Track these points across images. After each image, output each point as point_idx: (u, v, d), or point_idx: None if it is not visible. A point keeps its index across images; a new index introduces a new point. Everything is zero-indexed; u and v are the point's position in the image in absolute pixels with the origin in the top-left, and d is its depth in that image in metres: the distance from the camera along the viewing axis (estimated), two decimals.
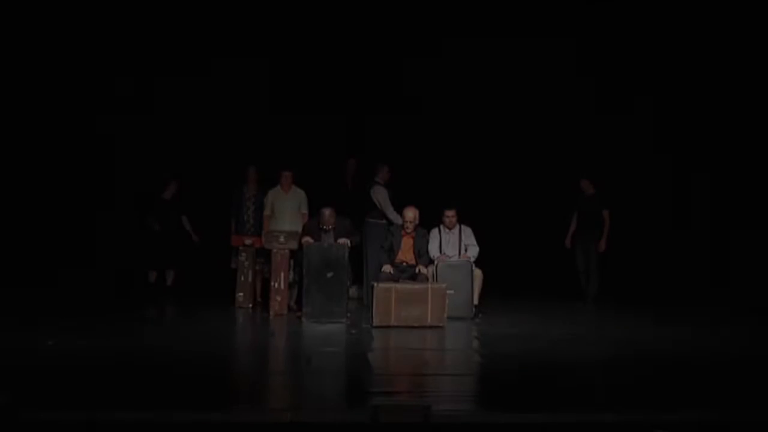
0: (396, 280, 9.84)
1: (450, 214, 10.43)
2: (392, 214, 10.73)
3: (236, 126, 12.79)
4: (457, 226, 10.48)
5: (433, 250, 10.34)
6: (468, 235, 10.49)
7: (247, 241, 10.66)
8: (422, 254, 10.20)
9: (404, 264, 10.20)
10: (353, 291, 11.19)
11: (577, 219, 11.55)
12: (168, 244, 11.55)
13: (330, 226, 10.15)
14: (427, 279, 9.95)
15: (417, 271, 10.01)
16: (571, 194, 11.65)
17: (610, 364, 7.63)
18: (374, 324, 9.37)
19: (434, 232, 10.48)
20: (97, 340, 8.13)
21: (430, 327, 9.34)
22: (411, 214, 10.17)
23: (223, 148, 12.67)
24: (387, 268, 10.00)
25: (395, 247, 10.20)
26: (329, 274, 9.70)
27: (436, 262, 10.18)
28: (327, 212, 10.21)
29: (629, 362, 7.65)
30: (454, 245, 10.44)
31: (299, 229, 10.49)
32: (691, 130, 12.20)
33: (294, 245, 10.15)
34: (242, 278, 10.56)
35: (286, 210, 10.72)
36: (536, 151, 12.95)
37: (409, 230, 10.16)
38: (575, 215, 11.59)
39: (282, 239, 10.18)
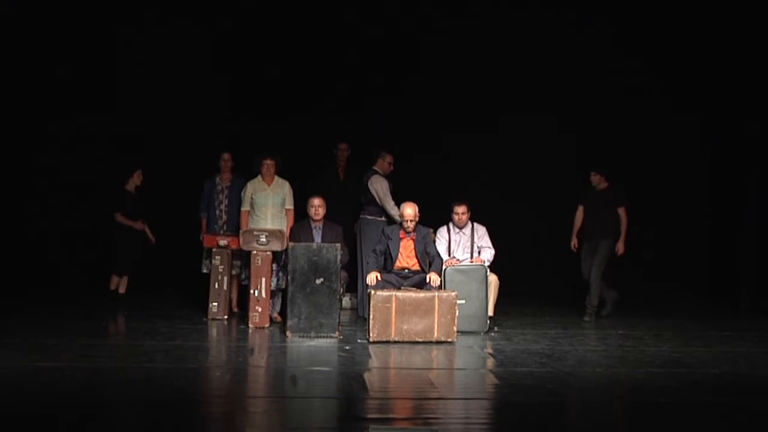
0: (397, 287, 9.75)
1: (460, 211, 10.34)
2: (393, 209, 10.61)
3: (206, 104, 12.74)
4: (469, 225, 10.40)
5: (441, 252, 10.24)
6: (482, 236, 10.40)
7: (222, 242, 10.56)
8: (432, 257, 10.07)
9: (406, 270, 10.10)
10: (346, 300, 11.13)
11: (586, 217, 11.19)
12: (136, 245, 11.37)
13: (318, 217, 10.22)
14: (440, 288, 9.86)
15: (427, 280, 9.90)
16: (577, 188, 11.57)
17: (650, 389, 7.54)
18: (371, 339, 9.30)
19: (442, 231, 10.39)
20: (44, 363, 8.10)
21: (437, 342, 9.29)
22: (411, 210, 10.05)
23: (192, 130, 12.63)
24: (373, 276, 9.88)
25: (392, 251, 10.07)
26: (318, 281, 9.62)
27: (444, 267, 10.09)
28: (317, 201, 10.28)
29: (673, 387, 7.59)
30: (466, 247, 10.35)
31: (283, 227, 10.41)
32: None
33: (277, 246, 10.06)
34: (216, 285, 10.47)
35: (268, 205, 10.62)
36: (558, 139, 12.98)
37: (409, 230, 10.05)
38: (581, 210, 11.22)
39: (263, 239, 10.09)
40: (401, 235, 10.10)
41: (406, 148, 12.30)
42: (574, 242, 11.27)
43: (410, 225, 10.04)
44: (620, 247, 11.06)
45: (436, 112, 12.86)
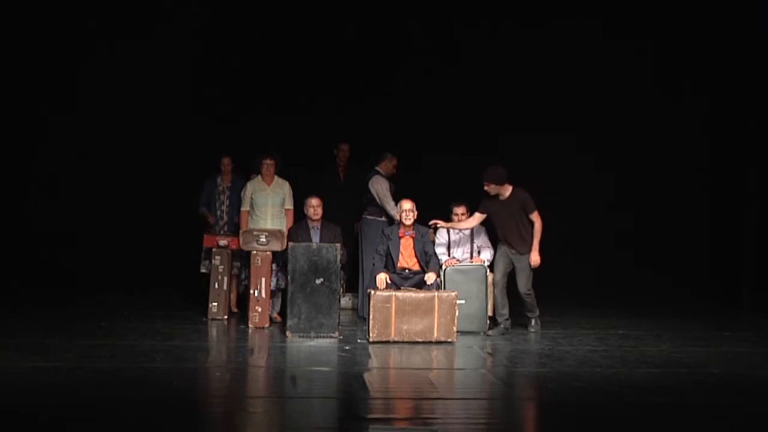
0: (397, 288, 9.75)
1: (459, 212, 10.33)
2: (392, 210, 10.60)
3: (206, 103, 12.76)
4: None
5: (440, 252, 10.25)
6: (481, 236, 10.40)
7: (222, 242, 10.55)
8: (429, 257, 10.06)
9: (407, 271, 10.09)
10: (346, 300, 11.13)
11: (497, 228, 10.04)
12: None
13: (317, 217, 10.22)
14: (439, 287, 9.85)
15: (426, 280, 9.88)
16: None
17: (650, 389, 7.55)
18: (371, 339, 9.30)
19: (442, 231, 10.39)
20: (44, 363, 8.13)
21: (437, 342, 9.29)
22: (408, 204, 10.04)
23: (192, 130, 12.65)
24: (382, 278, 9.88)
25: (393, 252, 10.06)
26: (318, 281, 9.62)
27: (444, 267, 10.09)
28: (314, 201, 10.27)
29: (673, 387, 7.60)
30: (465, 247, 10.36)
31: (283, 227, 10.41)
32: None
33: (277, 246, 10.06)
34: (216, 285, 10.46)
35: (268, 205, 10.61)
36: (558, 138, 12.99)
37: (408, 222, 10.00)
38: (476, 218, 10.09)
39: (263, 239, 10.09)
40: (400, 234, 10.08)
41: (408, 148, 12.29)
42: (438, 222, 10.07)
43: (410, 216, 9.98)
44: (534, 259, 9.87)
45: (438, 111, 12.86)
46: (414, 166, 12.40)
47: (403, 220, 10.03)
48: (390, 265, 10.03)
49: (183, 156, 12.52)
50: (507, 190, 9.92)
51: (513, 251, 9.95)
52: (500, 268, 9.99)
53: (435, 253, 10.14)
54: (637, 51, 12.87)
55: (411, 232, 10.06)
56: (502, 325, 9.97)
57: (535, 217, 9.89)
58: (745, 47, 12.07)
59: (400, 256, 10.05)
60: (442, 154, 12.79)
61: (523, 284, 9.95)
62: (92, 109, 12.88)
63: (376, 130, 12.33)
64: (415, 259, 10.07)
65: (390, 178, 10.88)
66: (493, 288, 10.02)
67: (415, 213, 10.06)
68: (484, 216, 10.05)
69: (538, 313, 10.14)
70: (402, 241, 10.07)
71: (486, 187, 9.88)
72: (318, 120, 12.73)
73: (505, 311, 9.99)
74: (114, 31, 12.69)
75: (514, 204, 9.89)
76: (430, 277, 9.82)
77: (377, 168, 10.85)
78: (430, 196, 11.06)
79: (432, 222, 10.11)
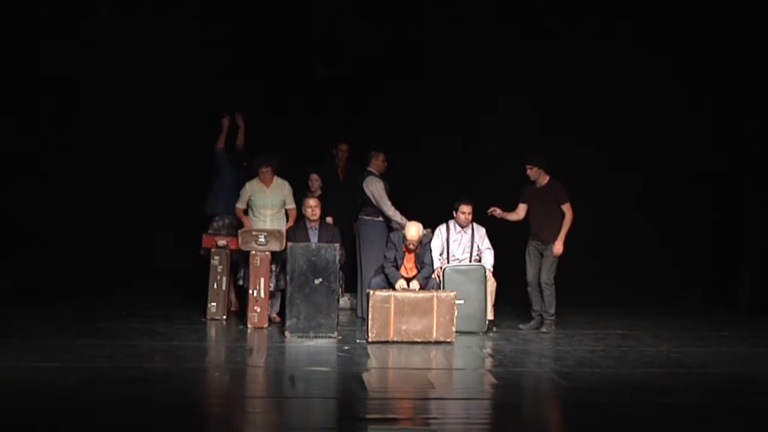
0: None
1: (467, 210, 10.25)
2: (389, 210, 10.58)
3: (206, 102, 12.77)
4: (470, 225, 10.38)
5: (436, 251, 10.19)
6: (482, 236, 10.38)
7: (221, 242, 10.55)
8: (423, 265, 10.02)
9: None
10: (345, 300, 11.13)
11: (529, 216, 10.31)
12: None
13: (315, 217, 10.21)
14: (438, 287, 9.83)
15: (409, 285, 9.82)
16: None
17: (649, 389, 7.56)
18: (370, 339, 9.31)
19: (440, 229, 10.34)
20: (44, 363, 8.13)
21: (436, 343, 9.30)
22: (415, 231, 9.95)
23: (193, 128, 12.68)
24: (402, 283, 9.83)
25: (398, 260, 10.03)
26: (317, 281, 9.63)
27: (442, 267, 10.09)
28: (312, 201, 10.27)
29: (672, 387, 7.61)
30: (465, 247, 10.34)
31: (283, 228, 10.41)
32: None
33: (276, 247, 10.06)
34: (215, 285, 10.46)
35: (267, 206, 10.56)
36: (557, 138, 12.97)
37: (411, 248, 10.01)
38: (522, 208, 10.32)
39: (261, 239, 10.09)
40: (404, 249, 10.05)
41: (408, 146, 12.29)
42: (497, 209, 10.28)
43: (411, 247, 9.98)
44: (557, 247, 10.10)
45: (438, 111, 12.85)
46: (414, 162, 12.41)
47: (406, 247, 9.96)
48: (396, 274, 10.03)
49: (181, 156, 12.51)
50: (545, 179, 10.26)
51: (539, 242, 10.22)
52: (532, 264, 10.26)
53: (431, 262, 10.10)
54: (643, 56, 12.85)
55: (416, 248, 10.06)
56: (534, 321, 10.23)
57: (567, 208, 10.18)
58: (746, 46, 12.06)
59: (403, 268, 10.05)
60: (441, 151, 12.79)
61: (545, 273, 10.18)
62: (92, 110, 12.87)
63: (375, 130, 12.32)
64: (416, 270, 10.06)
65: (383, 176, 10.86)
66: (527, 287, 10.25)
67: (421, 236, 10.00)
68: (526, 205, 10.34)
69: (553, 315, 10.21)
70: (406, 255, 10.05)
71: (528, 171, 10.21)
72: (317, 120, 12.72)
73: (538, 307, 10.25)
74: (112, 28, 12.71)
75: (548, 193, 10.22)
76: (414, 285, 9.82)
77: (369, 168, 10.81)
78: (430, 195, 11.07)
79: (491, 209, 10.29)
